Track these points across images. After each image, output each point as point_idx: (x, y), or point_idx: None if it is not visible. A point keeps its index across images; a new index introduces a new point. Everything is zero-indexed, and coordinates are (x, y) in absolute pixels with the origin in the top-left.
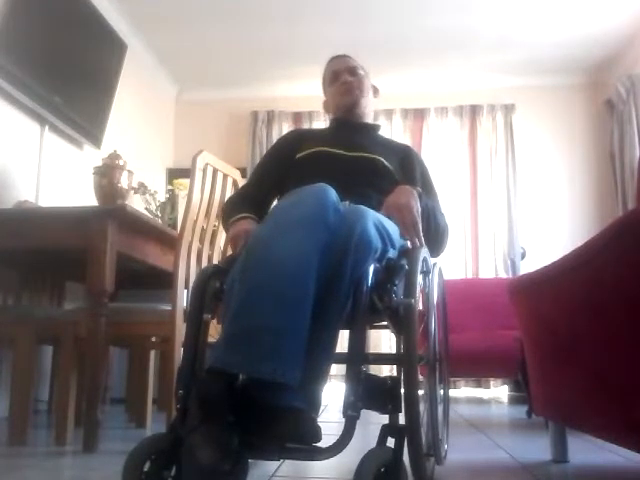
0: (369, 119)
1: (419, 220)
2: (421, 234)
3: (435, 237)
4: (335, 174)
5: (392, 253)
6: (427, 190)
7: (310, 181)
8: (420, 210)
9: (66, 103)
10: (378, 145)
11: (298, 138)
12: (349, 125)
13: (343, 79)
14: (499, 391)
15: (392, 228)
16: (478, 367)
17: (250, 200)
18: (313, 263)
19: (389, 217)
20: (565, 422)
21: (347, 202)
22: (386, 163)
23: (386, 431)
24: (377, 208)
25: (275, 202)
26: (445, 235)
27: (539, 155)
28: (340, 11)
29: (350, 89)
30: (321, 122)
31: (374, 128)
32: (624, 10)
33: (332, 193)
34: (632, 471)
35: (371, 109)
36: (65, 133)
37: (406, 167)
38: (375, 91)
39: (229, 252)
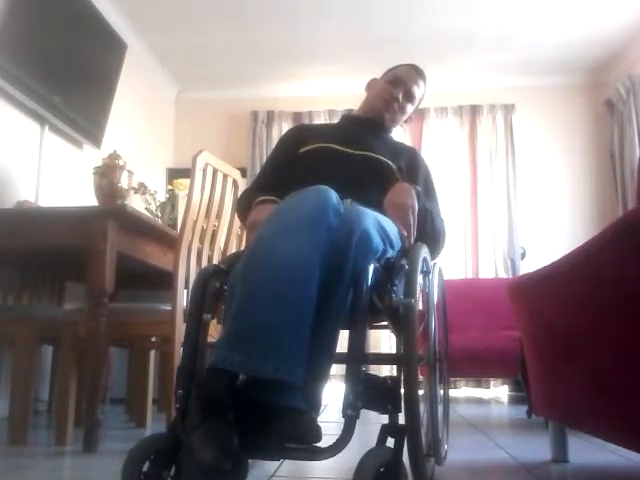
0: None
1: (414, 219)
2: (412, 233)
3: (431, 240)
4: (337, 171)
5: (391, 253)
6: (429, 195)
7: (312, 177)
8: (417, 209)
9: (66, 103)
10: (385, 146)
11: (302, 133)
12: (359, 123)
13: (395, 93)
14: (499, 391)
15: (391, 228)
16: (478, 367)
17: (265, 190)
18: (315, 264)
19: (385, 214)
20: (565, 422)
21: (349, 200)
22: (390, 164)
23: (386, 431)
24: (377, 207)
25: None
26: (441, 239)
27: (539, 155)
28: (340, 11)
29: (391, 105)
30: (321, 122)
31: (383, 129)
32: (624, 10)
33: (333, 195)
34: (632, 471)
35: (391, 127)
36: (65, 133)
37: (410, 170)
38: (409, 119)
39: (229, 252)
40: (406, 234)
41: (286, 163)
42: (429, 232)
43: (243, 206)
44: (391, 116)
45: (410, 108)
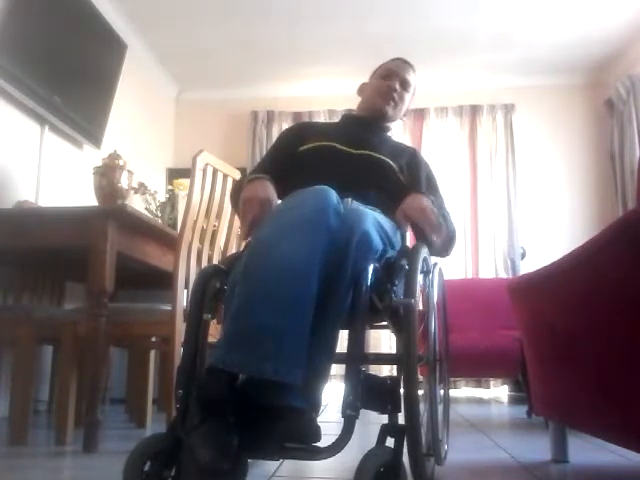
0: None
1: (435, 218)
2: (438, 232)
3: (446, 240)
4: (337, 170)
5: (391, 253)
6: (432, 191)
7: (312, 175)
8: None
9: (66, 103)
10: (385, 145)
11: (303, 130)
12: (360, 122)
13: (392, 84)
14: (499, 391)
15: (391, 229)
16: (478, 367)
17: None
18: (314, 264)
19: (397, 222)
20: (565, 422)
21: (349, 199)
22: (392, 164)
23: (386, 431)
24: (377, 207)
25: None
26: (454, 238)
27: (539, 155)
28: (340, 11)
29: (391, 96)
30: (321, 121)
31: (383, 129)
32: (624, 10)
33: (333, 195)
34: (632, 471)
35: (391, 124)
36: (65, 133)
37: (412, 170)
38: (406, 113)
39: (229, 252)
40: (435, 237)
41: (286, 157)
42: (445, 235)
43: (235, 189)
44: (392, 109)
45: (408, 97)
